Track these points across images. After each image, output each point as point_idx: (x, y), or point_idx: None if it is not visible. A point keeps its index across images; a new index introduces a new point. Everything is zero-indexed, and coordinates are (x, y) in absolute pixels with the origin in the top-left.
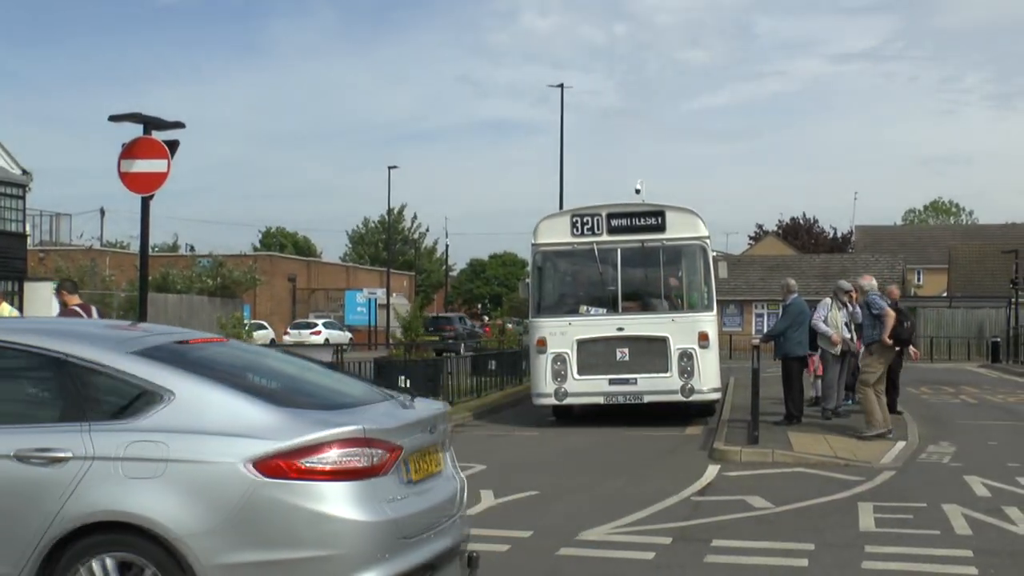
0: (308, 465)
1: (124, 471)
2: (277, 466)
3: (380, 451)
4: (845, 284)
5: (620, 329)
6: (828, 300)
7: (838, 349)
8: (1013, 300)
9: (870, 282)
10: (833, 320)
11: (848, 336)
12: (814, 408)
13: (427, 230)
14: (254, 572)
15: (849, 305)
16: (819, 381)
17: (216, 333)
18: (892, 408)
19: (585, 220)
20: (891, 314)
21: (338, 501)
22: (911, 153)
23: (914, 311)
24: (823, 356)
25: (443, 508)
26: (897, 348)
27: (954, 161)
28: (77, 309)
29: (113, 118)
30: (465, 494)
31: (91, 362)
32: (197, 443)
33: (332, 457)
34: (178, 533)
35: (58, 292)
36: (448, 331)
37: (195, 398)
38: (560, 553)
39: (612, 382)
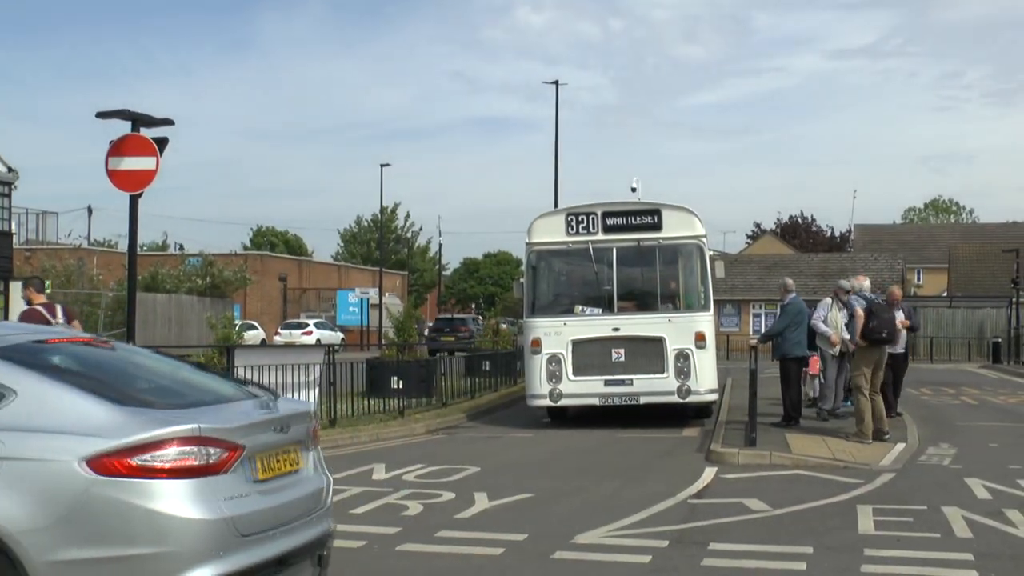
0: (141, 463)
1: None
2: (111, 464)
3: (218, 450)
4: (845, 284)
5: (616, 329)
6: (828, 300)
7: (837, 350)
8: (1014, 300)
9: (861, 283)
10: (833, 320)
11: (847, 337)
12: (812, 409)
13: (420, 229)
14: (86, 569)
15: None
16: (816, 381)
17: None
18: (891, 409)
19: (580, 219)
20: (859, 315)
21: (171, 499)
22: (911, 151)
23: (914, 311)
24: (822, 356)
25: (296, 506)
26: (889, 348)
27: (954, 159)
28: (39, 308)
29: (101, 115)
30: (330, 493)
31: None
32: (33, 441)
33: (167, 455)
34: (9, 530)
35: (24, 288)
36: (463, 332)
37: (36, 397)
38: (555, 556)
39: (608, 383)
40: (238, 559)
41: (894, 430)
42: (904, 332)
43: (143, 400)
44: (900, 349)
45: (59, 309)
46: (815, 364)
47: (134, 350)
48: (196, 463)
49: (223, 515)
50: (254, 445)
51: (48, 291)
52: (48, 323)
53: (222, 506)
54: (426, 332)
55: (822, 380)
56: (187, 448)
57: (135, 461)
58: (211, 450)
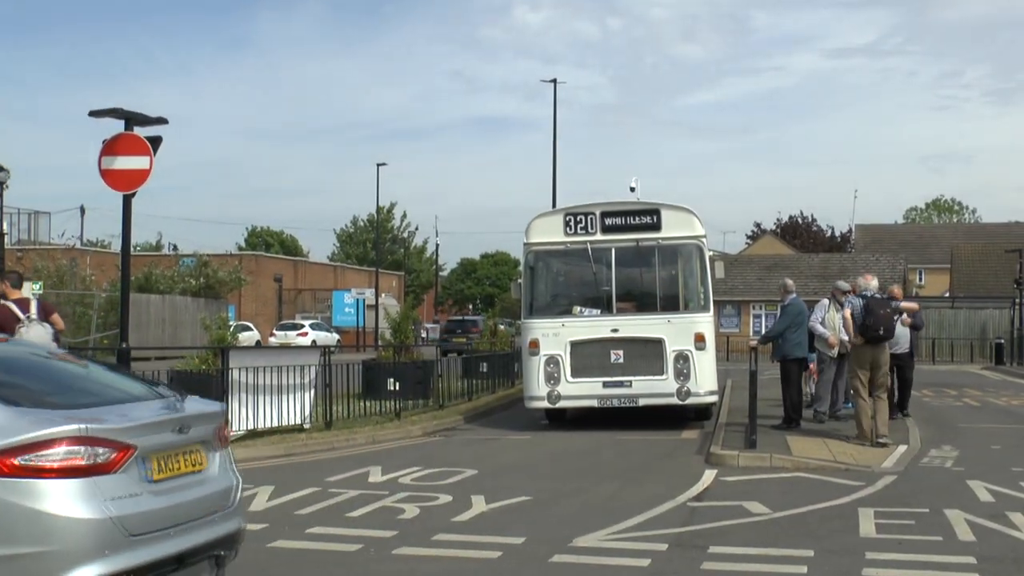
0: (24, 463)
1: None
2: None
3: (106, 450)
4: (843, 285)
5: (614, 330)
6: (826, 301)
7: (835, 351)
8: (1017, 300)
9: (868, 283)
10: (830, 321)
11: (846, 338)
12: (811, 410)
13: (416, 229)
14: None
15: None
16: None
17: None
18: (893, 411)
19: (579, 219)
20: (846, 315)
21: (56, 498)
22: (911, 150)
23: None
24: (819, 358)
25: (196, 506)
26: (891, 349)
27: (955, 158)
28: (10, 304)
29: (94, 113)
30: (238, 493)
31: None
32: None
33: (53, 455)
34: None
35: (1, 283)
36: (475, 332)
37: None
38: (553, 560)
39: (606, 385)
40: (125, 558)
41: (895, 432)
42: (908, 332)
43: (37, 401)
44: (904, 349)
45: (34, 305)
46: (812, 367)
47: (44, 352)
48: (83, 463)
49: (109, 515)
50: (149, 445)
51: (40, 291)
52: (17, 319)
53: (108, 506)
54: (423, 334)
55: (812, 382)
56: (74, 448)
57: (19, 461)
58: (99, 450)
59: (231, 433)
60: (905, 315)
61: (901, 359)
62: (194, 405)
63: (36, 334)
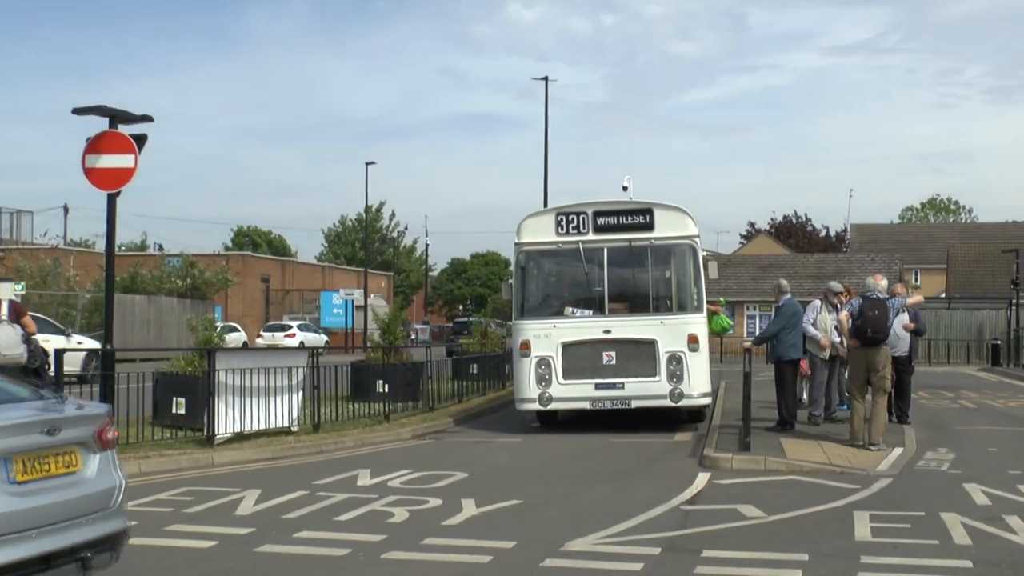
0: None
1: None
2: None
3: None
4: (836, 286)
5: (607, 332)
6: (818, 302)
7: (826, 353)
8: (1014, 301)
9: (877, 283)
10: (822, 323)
11: (838, 340)
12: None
13: (406, 228)
14: None
15: (840, 307)
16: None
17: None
18: (901, 417)
19: (570, 218)
20: (841, 318)
21: None
22: (908, 149)
23: (918, 314)
24: (811, 360)
25: (66, 508)
26: (881, 346)
27: (953, 157)
28: None
29: (78, 111)
30: (120, 494)
31: None
32: None
33: None
34: None
35: None
36: None
37: None
38: (545, 564)
39: (598, 387)
40: None
41: (891, 434)
42: (907, 335)
43: None
44: (902, 352)
45: (4, 306)
46: (804, 366)
47: None
48: None
49: None
50: (11, 446)
51: (22, 291)
52: None
53: None
54: (412, 335)
55: (803, 385)
56: None
57: None
58: None
59: (214, 435)
60: (907, 319)
61: (899, 363)
62: (73, 407)
63: (5, 335)
